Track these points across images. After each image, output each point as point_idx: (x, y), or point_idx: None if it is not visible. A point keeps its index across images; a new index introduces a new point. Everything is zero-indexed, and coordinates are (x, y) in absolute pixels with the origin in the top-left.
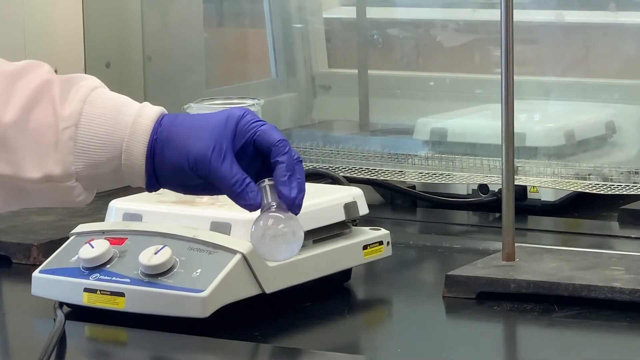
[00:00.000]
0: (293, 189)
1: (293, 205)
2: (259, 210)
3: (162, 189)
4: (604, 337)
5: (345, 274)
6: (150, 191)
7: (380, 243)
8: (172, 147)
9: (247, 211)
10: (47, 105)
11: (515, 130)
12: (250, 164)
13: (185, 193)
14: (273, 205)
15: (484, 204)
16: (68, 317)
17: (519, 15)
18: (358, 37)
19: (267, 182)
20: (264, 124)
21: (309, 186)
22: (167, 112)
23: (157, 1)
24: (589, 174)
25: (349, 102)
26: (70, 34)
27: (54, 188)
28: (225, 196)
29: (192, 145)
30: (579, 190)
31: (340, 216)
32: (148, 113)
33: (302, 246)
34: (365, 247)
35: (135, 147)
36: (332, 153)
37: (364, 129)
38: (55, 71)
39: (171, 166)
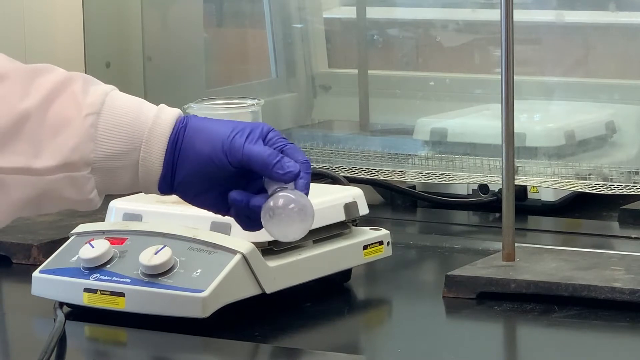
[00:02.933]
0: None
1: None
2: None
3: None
4: (604, 337)
5: (345, 274)
6: (161, 192)
7: (381, 243)
8: (205, 136)
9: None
10: (69, 97)
11: (515, 130)
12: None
13: (192, 198)
14: (284, 187)
15: (484, 204)
16: (68, 317)
17: (519, 15)
18: (358, 37)
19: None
20: (291, 143)
21: None
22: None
23: (157, 1)
24: (589, 174)
25: (349, 102)
26: (70, 34)
27: (68, 180)
28: None
29: (226, 133)
30: (579, 190)
31: (341, 216)
32: (169, 111)
33: (302, 246)
34: (365, 247)
35: (156, 140)
36: (332, 153)
37: (364, 129)
38: None
39: (201, 155)
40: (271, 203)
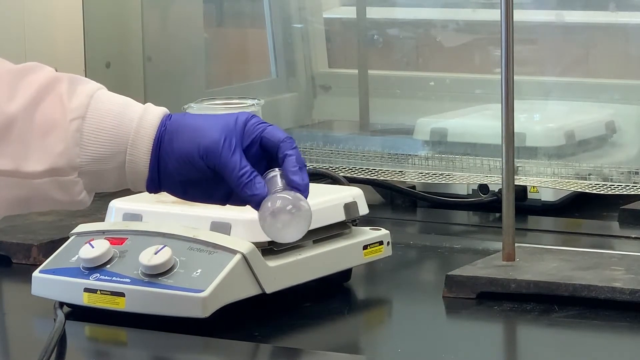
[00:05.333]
0: (304, 176)
1: (305, 192)
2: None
3: (161, 191)
4: (604, 337)
5: (345, 274)
6: (150, 191)
7: (381, 243)
8: (183, 138)
9: (249, 209)
10: (55, 99)
11: (515, 130)
12: (255, 162)
13: (182, 195)
14: (280, 188)
15: (484, 204)
16: (68, 317)
17: (519, 15)
18: (358, 37)
19: (272, 172)
20: (269, 125)
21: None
22: (169, 113)
23: (157, 1)
24: (589, 174)
25: (349, 102)
26: (70, 34)
27: (56, 183)
28: None
29: (203, 135)
30: (579, 190)
31: (341, 216)
32: (154, 111)
33: (302, 246)
34: (365, 247)
35: (141, 142)
36: (332, 153)
37: (364, 129)
38: (55, 70)
39: (180, 156)
40: (269, 204)
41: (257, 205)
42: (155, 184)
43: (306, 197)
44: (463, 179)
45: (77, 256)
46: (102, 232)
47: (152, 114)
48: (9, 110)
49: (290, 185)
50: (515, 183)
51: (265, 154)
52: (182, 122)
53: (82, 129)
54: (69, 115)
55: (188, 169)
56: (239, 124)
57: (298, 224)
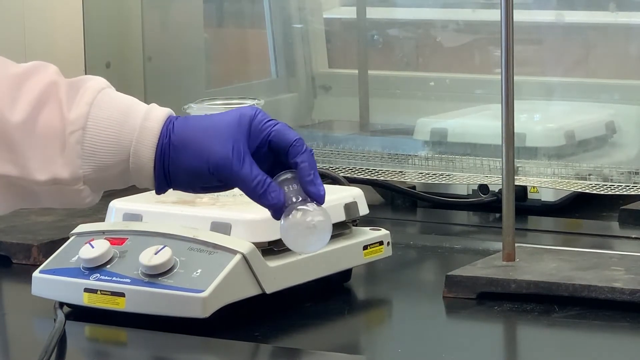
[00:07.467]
0: (319, 185)
1: (321, 202)
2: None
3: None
4: (604, 337)
5: (346, 274)
6: (159, 193)
7: (381, 243)
8: (189, 152)
9: (249, 209)
10: (54, 107)
11: (515, 131)
12: (264, 162)
13: (195, 193)
14: (298, 199)
15: (484, 204)
16: (68, 317)
17: (519, 15)
18: (358, 37)
19: (286, 175)
20: (277, 124)
21: None
22: (174, 114)
23: (157, 1)
24: (589, 174)
25: (349, 102)
26: (70, 34)
27: (61, 191)
28: (225, 196)
29: (210, 149)
30: (579, 190)
31: (341, 216)
32: (156, 116)
33: None
34: (365, 248)
35: (143, 150)
36: (332, 153)
37: (364, 129)
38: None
39: (188, 171)
40: (290, 217)
41: (275, 213)
42: (163, 187)
43: (322, 204)
44: (463, 179)
45: (77, 256)
46: (102, 232)
47: (153, 120)
48: (10, 120)
49: (305, 194)
50: (515, 183)
51: (273, 151)
52: (186, 135)
53: (82, 140)
54: (69, 128)
55: (200, 181)
56: (243, 126)
57: (320, 235)
